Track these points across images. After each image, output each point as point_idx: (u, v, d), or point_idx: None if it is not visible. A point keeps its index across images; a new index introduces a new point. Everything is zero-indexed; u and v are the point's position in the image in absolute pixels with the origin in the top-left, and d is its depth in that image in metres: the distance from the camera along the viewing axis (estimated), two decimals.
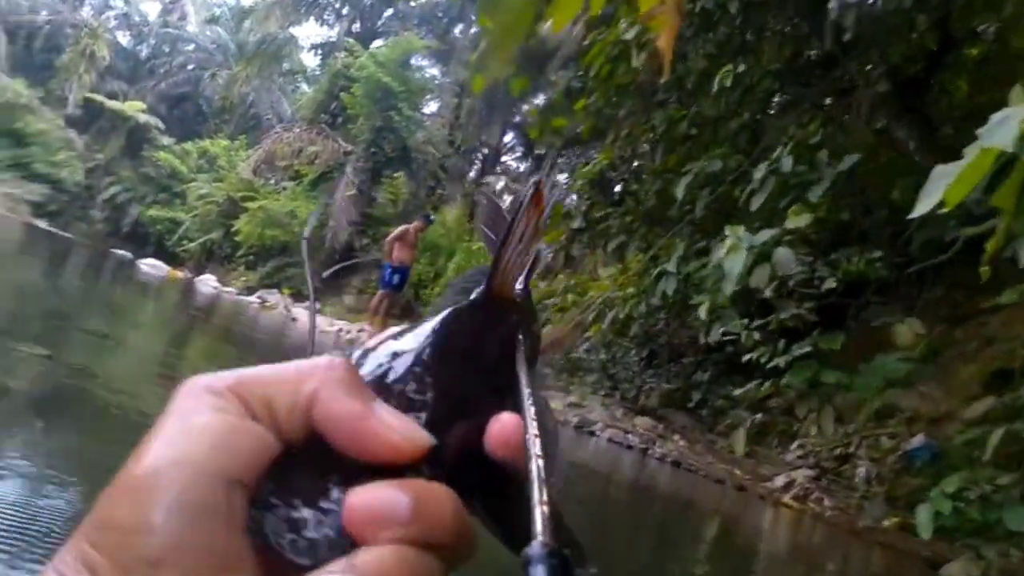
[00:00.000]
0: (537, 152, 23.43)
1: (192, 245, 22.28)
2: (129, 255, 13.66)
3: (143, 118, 31.65)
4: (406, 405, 0.31)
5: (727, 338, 6.85)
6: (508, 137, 24.41)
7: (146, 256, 21.08)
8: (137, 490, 0.26)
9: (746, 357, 6.47)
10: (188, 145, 31.54)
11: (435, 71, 25.26)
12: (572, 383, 9.37)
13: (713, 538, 4.77)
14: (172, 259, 23.50)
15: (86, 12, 34.48)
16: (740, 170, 7.79)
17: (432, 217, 13.33)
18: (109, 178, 30.85)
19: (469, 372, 0.34)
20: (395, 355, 0.32)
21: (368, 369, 0.32)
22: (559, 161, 23.49)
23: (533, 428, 0.30)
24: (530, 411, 0.32)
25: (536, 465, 0.28)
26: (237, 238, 20.15)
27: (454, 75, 20.98)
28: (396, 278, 10.83)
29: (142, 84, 34.48)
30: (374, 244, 18.79)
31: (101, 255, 13.11)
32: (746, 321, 6.56)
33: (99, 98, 31.51)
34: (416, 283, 17.08)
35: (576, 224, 9.53)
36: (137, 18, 36.39)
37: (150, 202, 29.82)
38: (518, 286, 0.42)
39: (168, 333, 6.74)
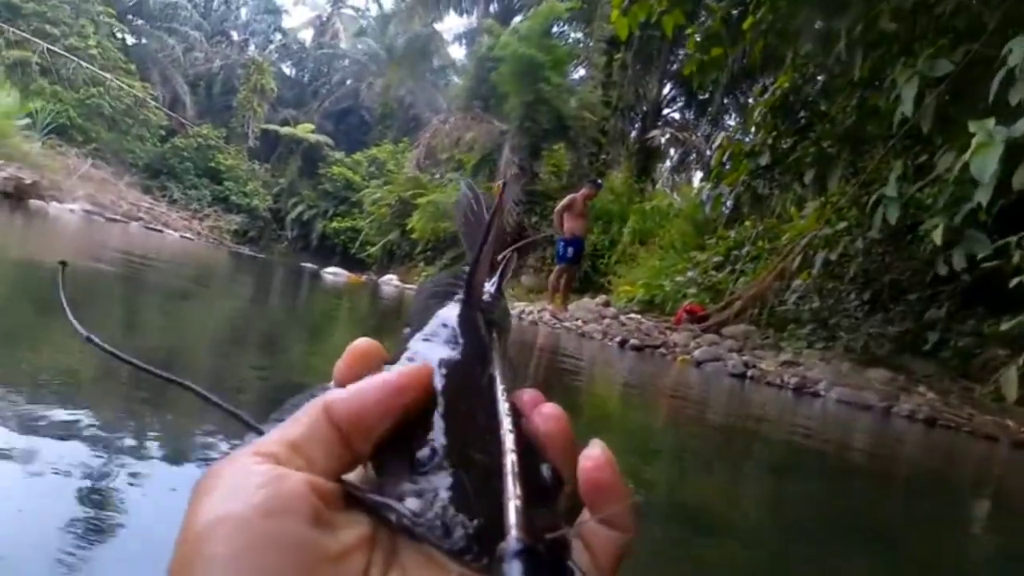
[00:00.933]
0: (700, 97, 21.91)
1: (373, 249, 23.15)
2: (315, 267, 14.09)
3: (314, 138, 33.55)
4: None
5: (987, 264, 5.58)
6: (667, 89, 23.01)
7: (333, 265, 22.33)
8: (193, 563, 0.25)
9: (1015, 280, 5.18)
10: (357, 155, 33.04)
11: (579, 34, 24.31)
12: (783, 339, 8.32)
13: (993, 508, 3.74)
14: (358, 265, 24.62)
15: (252, 50, 37.07)
16: (966, 60, 6.37)
17: (599, 181, 12.52)
18: (293, 199, 33.05)
19: (472, 371, 0.36)
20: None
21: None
22: (725, 102, 21.82)
23: (507, 424, 0.30)
24: (504, 407, 0.32)
25: (510, 460, 0.28)
26: (413, 236, 20.58)
27: (598, 32, 19.98)
28: (570, 251, 10.31)
29: (308, 106, 36.61)
30: (543, 220, 18.35)
31: (293, 270, 13.70)
32: (1014, 238, 5.27)
33: (273, 127, 33.81)
34: (592, 253, 16.45)
35: (763, 160, 8.41)
36: (295, 46, 38.61)
37: (331, 215, 31.60)
38: (491, 287, 0.50)
39: (375, 321, 6.69)
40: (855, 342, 7.32)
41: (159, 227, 17.73)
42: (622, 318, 9.58)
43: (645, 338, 8.49)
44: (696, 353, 7.52)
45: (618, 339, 8.43)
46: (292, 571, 0.24)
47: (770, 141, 8.38)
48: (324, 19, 39.43)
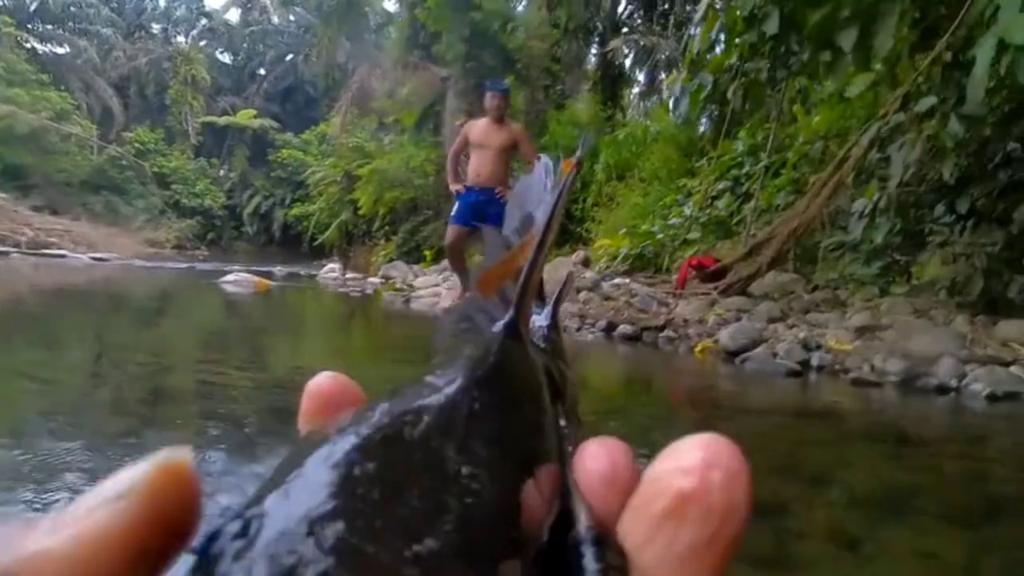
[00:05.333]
0: (662, 8, 18.61)
1: (327, 234, 20.05)
2: (217, 269, 10.91)
3: (257, 123, 30.21)
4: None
5: None
6: (623, 3, 19.59)
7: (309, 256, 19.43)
8: None
9: None
10: (306, 134, 29.73)
11: None
12: (838, 284, 5.47)
13: None
14: (318, 254, 21.70)
15: (177, 40, 33.29)
16: None
17: (496, 85, 6.54)
18: (247, 191, 29.86)
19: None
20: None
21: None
22: (688, 8, 18.52)
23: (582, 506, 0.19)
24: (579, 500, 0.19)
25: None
26: (360, 212, 17.57)
27: None
28: (462, 207, 6.18)
29: (248, 91, 33.07)
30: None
31: (186, 285, 10.70)
32: None
33: (212, 118, 30.42)
34: None
35: (771, 27, 5.43)
36: (222, 29, 34.74)
37: (290, 202, 28.41)
38: (543, 317, 0.37)
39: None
40: (970, 286, 4.44)
41: (61, 252, 14.71)
42: (605, 287, 6.67)
43: (640, 317, 5.60)
44: (723, 337, 4.64)
45: (602, 324, 5.55)
46: None
47: None
48: None
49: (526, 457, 0.19)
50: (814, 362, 4.20)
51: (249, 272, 9.46)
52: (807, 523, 2.32)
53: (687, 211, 7.74)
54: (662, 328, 5.25)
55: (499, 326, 0.23)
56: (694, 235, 7.21)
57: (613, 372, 4.58)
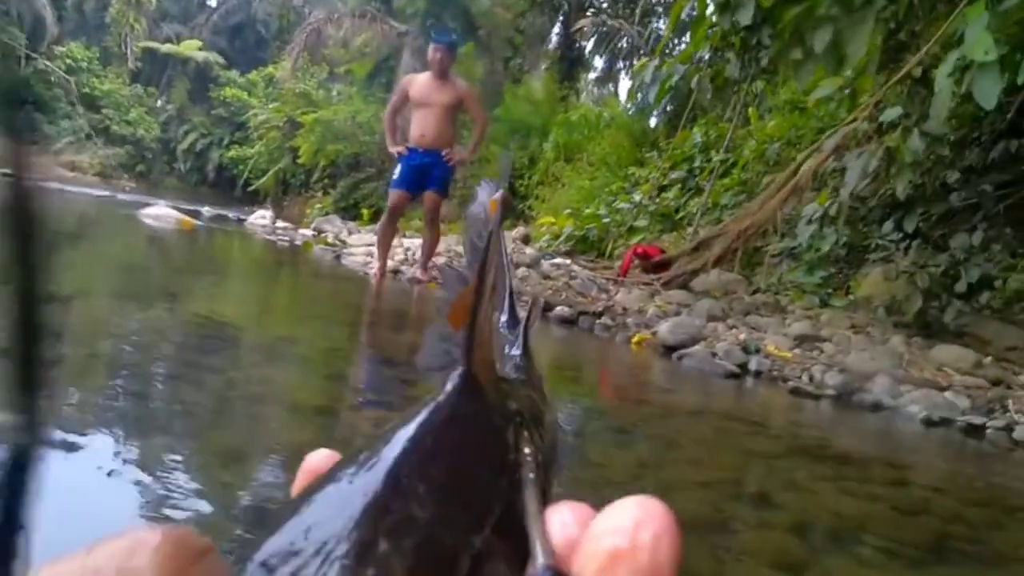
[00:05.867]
0: None
1: (263, 180, 19.08)
2: (155, 203, 10.00)
3: (202, 56, 28.53)
4: None
5: None
6: None
7: (242, 202, 18.43)
8: None
9: None
10: (253, 75, 28.26)
11: None
12: (778, 291, 5.34)
13: None
14: (252, 199, 20.72)
15: None
16: None
17: (448, 38, 5.95)
18: (184, 127, 28.25)
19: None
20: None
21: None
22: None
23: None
24: (538, 539, 0.19)
25: None
26: (299, 161, 16.76)
27: None
28: (405, 170, 5.70)
29: (196, 21, 31.19)
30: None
31: (103, 215, 9.90)
32: None
33: (154, 44, 28.58)
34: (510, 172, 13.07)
35: (745, 16, 5.18)
36: None
37: (228, 143, 27.01)
38: (512, 346, 0.36)
39: None
40: (908, 305, 4.34)
41: None
42: (545, 265, 6.39)
43: (578, 300, 5.35)
44: (662, 330, 4.42)
45: (539, 305, 5.28)
46: None
47: None
48: None
49: (464, 511, 0.19)
50: (753, 366, 4.02)
51: (174, 208, 8.75)
52: (746, 542, 2.08)
53: (636, 198, 7.52)
54: (600, 314, 5.01)
55: (452, 379, 0.23)
56: (641, 223, 7.00)
57: (545, 355, 4.31)
